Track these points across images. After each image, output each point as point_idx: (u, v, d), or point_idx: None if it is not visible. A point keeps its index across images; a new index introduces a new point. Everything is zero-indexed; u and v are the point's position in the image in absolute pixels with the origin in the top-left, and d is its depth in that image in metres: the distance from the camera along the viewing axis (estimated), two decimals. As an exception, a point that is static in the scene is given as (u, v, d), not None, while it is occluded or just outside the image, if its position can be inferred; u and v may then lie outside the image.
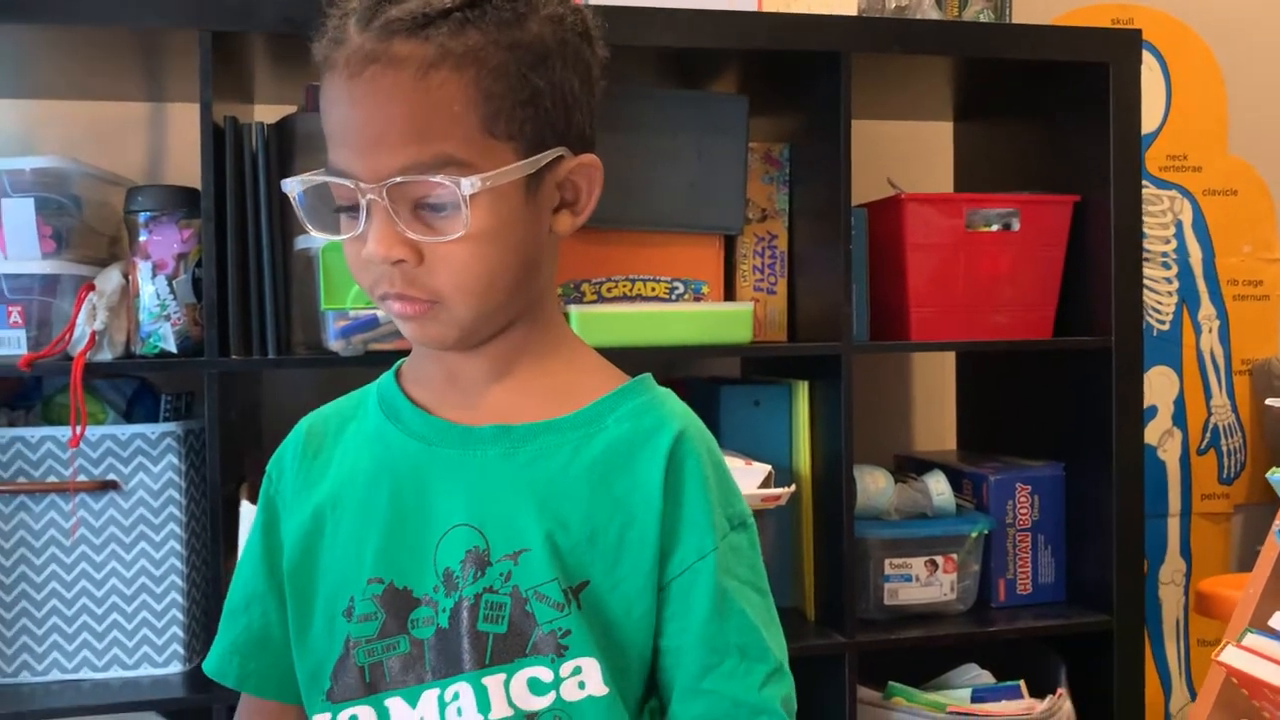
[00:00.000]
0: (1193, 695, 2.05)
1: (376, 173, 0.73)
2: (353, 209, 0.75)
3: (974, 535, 1.58)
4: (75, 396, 1.26)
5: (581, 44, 0.79)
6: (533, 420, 0.79)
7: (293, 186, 0.78)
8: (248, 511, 1.28)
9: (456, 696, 0.75)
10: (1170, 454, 2.06)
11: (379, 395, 0.85)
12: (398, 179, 0.72)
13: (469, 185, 0.72)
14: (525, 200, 0.76)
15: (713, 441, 0.82)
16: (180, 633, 1.37)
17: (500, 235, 0.74)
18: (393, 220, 0.73)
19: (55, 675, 1.34)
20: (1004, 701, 1.52)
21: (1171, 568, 2.06)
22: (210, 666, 0.87)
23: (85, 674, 1.35)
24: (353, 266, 0.78)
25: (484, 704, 0.75)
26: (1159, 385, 2.04)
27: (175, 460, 1.35)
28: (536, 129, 0.75)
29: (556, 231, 0.80)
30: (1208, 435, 2.07)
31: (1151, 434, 2.00)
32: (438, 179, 0.72)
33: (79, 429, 1.27)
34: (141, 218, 1.33)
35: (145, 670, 1.36)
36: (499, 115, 0.74)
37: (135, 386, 1.45)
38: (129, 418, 1.42)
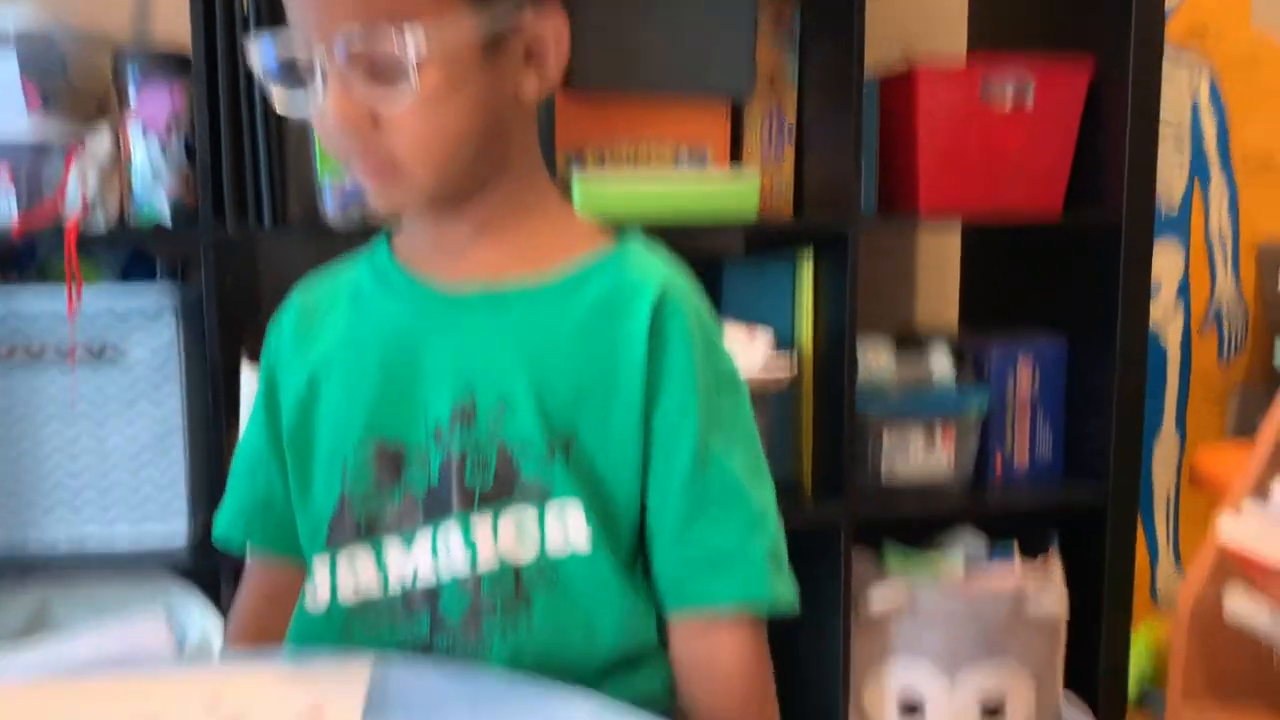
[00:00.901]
0: (1180, 568, 2.09)
1: (326, 34, 0.72)
2: (313, 77, 0.73)
3: (974, 409, 1.58)
4: (70, 264, 1.24)
5: None
6: (518, 277, 0.79)
7: (254, 56, 0.77)
8: (252, 377, 1.28)
9: (448, 539, 0.78)
10: (1172, 331, 2.06)
11: (370, 261, 0.85)
12: (345, 37, 0.71)
13: (413, 42, 0.70)
14: (482, 62, 0.74)
15: (699, 298, 0.82)
16: (184, 496, 1.37)
17: (454, 98, 0.73)
18: (346, 85, 0.72)
19: (62, 536, 1.36)
20: (996, 561, 1.55)
21: (1166, 443, 2.08)
22: (218, 530, 0.89)
23: (92, 530, 1.36)
24: (320, 135, 0.77)
25: (470, 545, 0.77)
26: (1164, 261, 2.02)
27: (173, 328, 1.34)
28: None
29: (523, 95, 0.78)
30: (1211, 314, 2.07)
31: (1154, 310, 1.99)
32: (385, 36, 0.70)
33: (75, 298, 1.25)
34: (131, 80, 1.29)
35: (151, 528, 1.37)
36: None
37: (130, 254, 1.43)
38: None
